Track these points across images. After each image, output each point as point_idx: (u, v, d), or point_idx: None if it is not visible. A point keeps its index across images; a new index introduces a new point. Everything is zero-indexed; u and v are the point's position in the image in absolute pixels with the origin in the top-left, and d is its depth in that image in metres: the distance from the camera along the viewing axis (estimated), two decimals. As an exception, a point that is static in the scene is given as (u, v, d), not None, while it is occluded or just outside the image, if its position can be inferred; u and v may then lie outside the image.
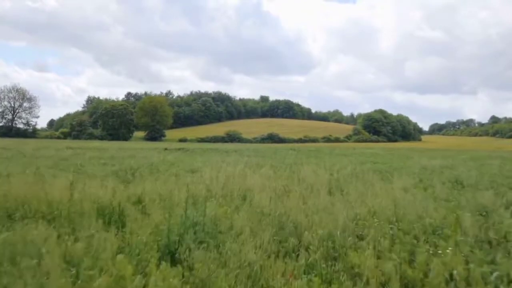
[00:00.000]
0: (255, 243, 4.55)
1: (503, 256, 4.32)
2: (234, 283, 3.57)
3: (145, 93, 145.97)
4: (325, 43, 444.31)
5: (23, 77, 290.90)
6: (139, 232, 4.75)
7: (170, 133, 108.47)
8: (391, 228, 5.43)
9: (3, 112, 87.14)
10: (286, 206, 6.51)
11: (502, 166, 20.12)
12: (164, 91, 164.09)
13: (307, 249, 4.49)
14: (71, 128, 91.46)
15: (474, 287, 3.67)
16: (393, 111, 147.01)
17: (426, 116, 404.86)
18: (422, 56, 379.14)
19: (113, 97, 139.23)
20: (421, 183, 12.32)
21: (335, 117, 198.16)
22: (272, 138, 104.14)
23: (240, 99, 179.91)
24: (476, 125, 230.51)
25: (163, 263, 3.96)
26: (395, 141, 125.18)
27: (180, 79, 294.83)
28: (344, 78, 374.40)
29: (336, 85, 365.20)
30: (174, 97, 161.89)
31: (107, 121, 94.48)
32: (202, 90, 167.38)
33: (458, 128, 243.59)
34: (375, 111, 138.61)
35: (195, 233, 4.65)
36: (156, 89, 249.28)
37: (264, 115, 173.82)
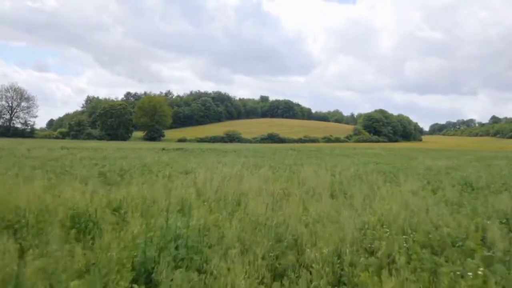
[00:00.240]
0: (248, 259, 3.85)
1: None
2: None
3: (145, 93, 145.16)
4: (325, 43, 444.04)
5: (23, 77, 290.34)
6: (112, 245, 4.04)
7: (169, 133, 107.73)
8: (405, 240, 4.73)
9: (0, 111, 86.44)
10: (285, 213, 5.81)
11: (510, 167, 19.42)
12: (164, 91, 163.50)
13: (309, 268, 3.79)
14: (69, 128, 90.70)
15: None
16: (393, 111, 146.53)
17: (426, 116, 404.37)
18: (422, 56, 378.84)
19: (113, 97, 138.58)
20: (429, 185, 11.61)
21: (335, 117, 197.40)
22: (272, 138, 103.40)
23: (240, 99, 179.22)
24: (477, 125, 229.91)
25: (135, 287, 3.27)
26: (396, 141, 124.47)
27: (180, 79, 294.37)
28: (344, 78, 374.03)
29: (336, 85, 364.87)
30: (173, 97, 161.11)
31: (106, 121, 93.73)
32: (202, 90, 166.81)
33: (459, 128, 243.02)
34: (376, 111, 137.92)
35: (176, 247, 3.95)
36: (156, 89, 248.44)
37: (264, 115, 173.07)
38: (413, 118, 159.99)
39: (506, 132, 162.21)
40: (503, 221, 6.33)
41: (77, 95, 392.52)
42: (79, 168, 12.60)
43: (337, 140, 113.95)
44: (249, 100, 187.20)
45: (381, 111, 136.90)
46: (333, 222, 5.45)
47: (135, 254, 3.88)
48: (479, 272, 3.44)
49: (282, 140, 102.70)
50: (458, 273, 3.55)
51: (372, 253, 4.39)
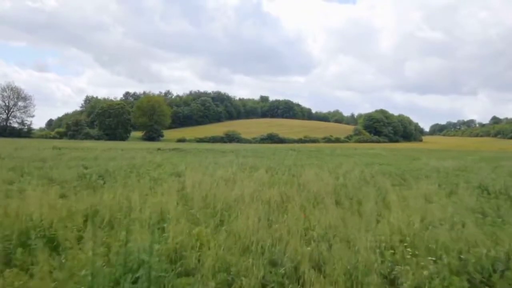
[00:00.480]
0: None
1: None
2: None
3: (144, 93, 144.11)
4: (325, 43, 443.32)
5: (23, 77, 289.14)
6: (53, 276, 3.05)
7: (168, 133, 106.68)
8: (434, 263, 3.74)
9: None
10: (283, 227, 4.81)
11: (521, 168, 18.43)
12: (163, 91, 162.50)
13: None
14: (67, 128, 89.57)
15: None
16: (393, 112, 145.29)
17: (426, 116, 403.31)
18: (422, 56, 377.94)
19: (112, 97, 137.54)
20: (441, 188, 10.62)
21: (335, 117, 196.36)
22: (271, 138, 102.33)
23: (239, 99, 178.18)
24: (477, 125, 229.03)
25: None
26: (396, 141, 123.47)
27: (180, 79, 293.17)
28: (344, 78, 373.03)
29: (336, 85, 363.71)
30: (173, 97, 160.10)
31: (104, 121, 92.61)
32: (202, 90, 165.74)
33: (459, 128, 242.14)
34: (376, 111, 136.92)
35: (136, 280, 2.96)
36: (156, 90, 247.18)
37: (264, 115, 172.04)
38: (413, 118, 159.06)
39: (507, 132, 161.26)
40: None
41: (77, 95, 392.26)
42: (61, 170, 11.60)
43: (338, 140, 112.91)
44: (249, 100, 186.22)
45: (382, 111, 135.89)
46: (341, 239, 4.46)
47: (81, 289, 2.90)
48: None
49: (282, 140, 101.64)
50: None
51: (394, 283, 3.40)
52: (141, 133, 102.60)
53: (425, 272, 3.44)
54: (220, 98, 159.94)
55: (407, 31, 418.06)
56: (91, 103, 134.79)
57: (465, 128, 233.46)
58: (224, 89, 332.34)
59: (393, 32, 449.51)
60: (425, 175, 14.93)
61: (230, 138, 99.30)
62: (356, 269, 3.49)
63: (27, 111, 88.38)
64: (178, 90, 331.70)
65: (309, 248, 4.09)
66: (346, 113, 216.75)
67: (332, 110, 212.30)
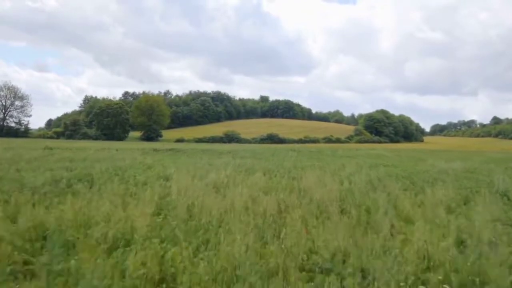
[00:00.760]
0: None
1: None
2: None
3: (143, 93, 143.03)
4: (325, 44, 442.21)
5: (23, 77, 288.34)
6: None
7: (167, 133, 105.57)
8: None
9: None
10: (279, 251, 3.81)
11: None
12: (163, 91, 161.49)
13: None
14: (65, 127, 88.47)
15: None
16: (394, 112, 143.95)
17: (426, 116, 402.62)
18: (422, 56, 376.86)
19: (111, 97, 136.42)
20: (455, 193, 9.61)
21: (335, 117, 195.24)
22: (271, 139, 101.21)
23: (239, 99, 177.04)
24: (478, 126, 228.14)
25: None
26: (397, 141, 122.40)
27: (180, 79, 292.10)
28: (344, 78, 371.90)
29: (336, 86, 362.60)
30: (172, 97, 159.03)
31: (102, 121, 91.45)
32: (202, 90, 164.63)
33: (460, 129, 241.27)
34: (377, 111, 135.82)
35: None
36: (156, 90, 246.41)
37: (264, 115, 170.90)
38: (414, 119, 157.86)
39: (508, 133, 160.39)
40: None
41: (77, 95, 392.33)
42: (39, 173, 10.61)
43: (338, 140, 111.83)
44: (249, 100, 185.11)
45: (383, 111, 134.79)
46: (354, 268, 3.46)
47: None
48: None
49: (282, 141, 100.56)
50: None
51: None
52: (139, 133, 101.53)
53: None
54: (219, 98, 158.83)
55: (407, 31, 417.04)
56: (90, 103, 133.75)
57: (466, 128, 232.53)
58: (224, 89, 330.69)
59: (393, 33, 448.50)
60: (434, 177, 13.94)
61: (230, 138, 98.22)
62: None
63: (24, 110, 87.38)
64: (178, 90, 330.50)
65: (312, 284, 3.09)
66: (347, 113, 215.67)
67: (332, 110, 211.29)
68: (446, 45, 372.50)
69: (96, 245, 3.85)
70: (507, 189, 10.53)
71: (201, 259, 3.69)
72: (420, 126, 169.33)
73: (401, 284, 3.15)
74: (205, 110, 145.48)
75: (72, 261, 3.33)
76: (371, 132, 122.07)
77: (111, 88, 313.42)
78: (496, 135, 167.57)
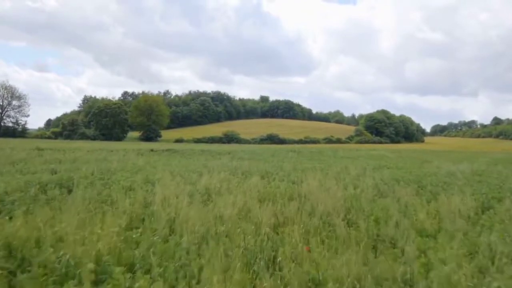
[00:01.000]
0: None
1: None
2: None
3: (143, 93, 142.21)
4: (325, 44, 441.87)
5: (23, 77, 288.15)
6: None
7: (166, 134, 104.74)
8: None
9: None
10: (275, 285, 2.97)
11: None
12: (163, 91, 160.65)
13: None
14: (63, 127, 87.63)
15: None
16: (394, 112, 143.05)
17: (426, 117, 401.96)
18: (422, 57, 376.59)
19: (111, 97, 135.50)
20: (474, 199, 8.75)
21: (336, 118, 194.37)
22: (271, 139, 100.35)
23: (239, 99, 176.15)
24: (479, 126, 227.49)
25: None
26: (398, 142, 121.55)
27: (180, 79, 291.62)
28: (344, 79, 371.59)
29: (336, 86, 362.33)
30: (172, 97, 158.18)
31: (100, 121, 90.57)
32: (201, 90, 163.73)
33: (460, 129, 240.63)
34: (378, 111, 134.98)
35: None
36: (156, 90, 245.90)
37: (264, 115, 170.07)
38: (414, 119, 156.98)
39: (509, 133, 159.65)
40: None
41: (77, 95, 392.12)
42: (14, 177, 9.77)
43: (339, 141, 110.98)
44: (249, 100, 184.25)
45: (383, 112, 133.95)
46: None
47: None
48: None
49: (282, 141, 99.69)
50: None
51: None
52: (138, 133, 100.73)
53: None
54: (219, 98, 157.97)
55: (407, 32, 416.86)
56: (89, 103, 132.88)
57: (467, 129, 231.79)
58: (224, 89, 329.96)
59: (394, 33, 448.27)
60: (443, 181, 13.09)
61: (229, 138, 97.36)
62: None
63: (21, 110, 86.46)
64: (178, 90, 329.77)
65: None
66: (347, 113, 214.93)
67: (332, 110, 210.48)
68: (446, 45, 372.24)
69: (41, 276, 3.01)
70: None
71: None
72: (420, 127, 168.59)
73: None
74: (205, 110, 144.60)
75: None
76: (371, 133, 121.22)
77: (111, 88, 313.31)
78: (497, 136, 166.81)
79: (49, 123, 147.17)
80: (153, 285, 3.07)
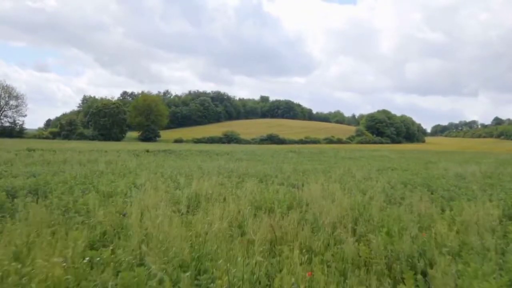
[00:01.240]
0: None
1: None
2: None
3: (142, 92, 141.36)
4: (325, 44, 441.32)
5: (23, 77, 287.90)
6: None
7: (166, 134, 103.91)
8: None
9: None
10: None
11: None
12: (162, 91, 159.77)
13: None
14: (60, 127, 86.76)
15: None
16: (394, 112, 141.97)
17: (426, 117, 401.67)
18: (423, 57, 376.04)
19: (110, 97, 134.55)
20: (495, 207, 7.89)
21: (336, 118, 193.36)
22: (271, 139, 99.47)
23: (239, 99, 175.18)
24: (479, 126, 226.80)
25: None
26: (399, 142, 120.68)
27: (180, 79, 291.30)
28: (344, 79, 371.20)
29: (337, 86, 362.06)
30: (171, 97, 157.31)
31: (99, 121, 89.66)
32: (201, 90, 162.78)
33: (461, 129, 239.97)
34: (379, 111, 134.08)
35: None
36: (156, 90, 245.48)
37: (264, 115, 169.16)
38: (414, 119, 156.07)
39: (510, 133, 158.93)
40: None
41: (78, 95, 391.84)
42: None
43: (339, 141, 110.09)
44: (249, 100, 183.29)
45: (384, 112, 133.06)
46: None
47: None
48: None
49: (282, 141, 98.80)
50: None
51: None
52: (137, 134, 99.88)
53: None
54: (219, 98, 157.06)
55: (407, 32, 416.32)
56: (88, 102, 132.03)
57: (467, 129, 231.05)
58: (225, 89, 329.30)
59: (394, 33, 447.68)
60: (453, 184, 12.21)
61: (229, 138, 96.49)
62: None
63: (19, 110, 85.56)
64: (178, 90, 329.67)
65: None
66: (347, 114, 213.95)
67: (333, 111, 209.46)
68: (447, 45, 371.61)
69: None
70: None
71: None
72: (421, 127, 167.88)
73: None
74: (205, 110, 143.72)
75: None
76: (372, 133, 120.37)
77: (111, 88, 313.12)
78: (498, 136, 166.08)
79: (48, 123, 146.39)
80: None
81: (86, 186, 8.38)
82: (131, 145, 45.76)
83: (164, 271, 3.25)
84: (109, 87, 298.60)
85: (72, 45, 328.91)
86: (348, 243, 4.85)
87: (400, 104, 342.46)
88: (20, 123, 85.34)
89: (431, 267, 4.37)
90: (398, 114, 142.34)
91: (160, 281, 3.23)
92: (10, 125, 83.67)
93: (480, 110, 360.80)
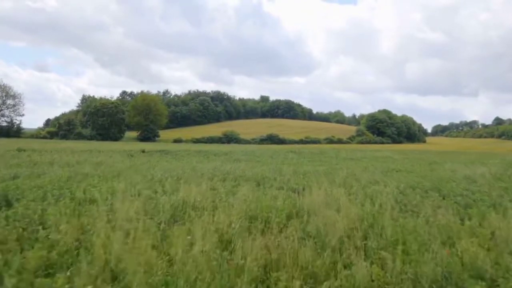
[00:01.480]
0: None
1: None
2: None
3: (141, 92, 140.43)
4: (325, 44, 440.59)
5: (23, 77, 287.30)
6: None
7: (165, 134, 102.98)
8: None
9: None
10: None
11: None
12: (162, 91, 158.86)
13: None
14: (58, 127, 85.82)
15: None
16: (395, 112, 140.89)
17: (426, 117, 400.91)
18: (423, 57, 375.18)
19: (109, 97, 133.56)
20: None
21: (336, 117, 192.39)
22: (271, 139, 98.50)
23: (239, 99, 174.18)
24: (480, 126, 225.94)
25: None
26: (400, 142, 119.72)
27: (181, 80, 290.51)
28: (344, 79, 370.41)
29: (337, 86, 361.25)
30: (171, 97, 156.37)
31: (97, 120, 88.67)
32: (201, 90, 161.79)
33: (462, 129, 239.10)
34: (379, 111, 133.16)
35: None
36: (156, 90, 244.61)
37: (264, 115, 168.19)
38: (415, 119, 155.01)
39: (511, 134, 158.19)
40: None
41: (78, 96, 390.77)
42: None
43: (340, 141, 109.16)
44: (249, 100, 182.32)
45: (385, 111, 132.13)
46: None
47: None
48: None
49: (282, 141, 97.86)
50: None
51: None
52: (136, 133, 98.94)
53: None
54: (219, 98, 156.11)
55: (407, 32, 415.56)
56: (87, 102, 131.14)
57: (468, 129, 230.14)
58: (225, 89, 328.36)
59: (394, 33, 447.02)
60: (465, 188, 11.34)
61: (229, 138, 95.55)
62: None
63: (16, 109, 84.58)
64: (179, 91, 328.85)
65: None
66: (348, 114, 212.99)
67: (333, 110, 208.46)
68: (447, 45, 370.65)
69: None
70: None
71: None
72: (422, 127, 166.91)
73: None
74: (204, 110, 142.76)
75: None
76: (373, 133, 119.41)
77: (111, 88, 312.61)
78: (499, 136, 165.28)
79: (48, 123, 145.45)
80: None
81: (62, 192, 7.52)
82: (128, 145, 44.89)
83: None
84: (109, 87, 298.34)
85: (72, 45, 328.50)
86: (359, 266, 4.00)
87: (400, 104, 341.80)
88: (18, 122, 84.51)
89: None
90: (399, 114, 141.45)
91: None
92: (7, 124, 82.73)
93: (480, 110, 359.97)
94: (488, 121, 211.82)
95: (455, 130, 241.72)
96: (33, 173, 10.75)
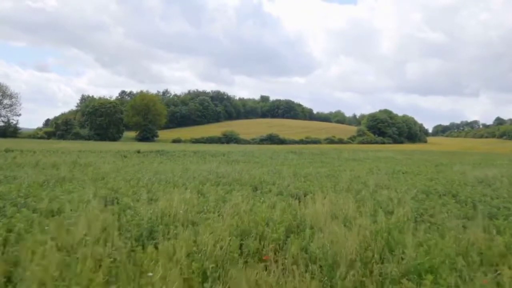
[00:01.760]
0: None
1: None
2: None
3: (141, 92, 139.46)
4: (326, 44, 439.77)
5: (24, 77, 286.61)
6: None
7: (164, 134, 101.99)
8: None
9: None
10: None
11: None
12: (162, 91, 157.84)
13: None
14: (56, 127, 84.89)
15: None
16: (396, 112, 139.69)
17: (426, 117, 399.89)
18: (423, 57, 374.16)
19: (108, 97, 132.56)
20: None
21: (337, 117, 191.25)
22: (271, 139, 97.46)
23: (239, 99, 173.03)
24: (481, 126, 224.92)
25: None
26: (401, 142, 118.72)
27: (181, 80, 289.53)
28: (345, 79, 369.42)
29: (337, 87, 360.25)
30: (170, 96, 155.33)
31: (95, 120, 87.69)
32: (201, 90, 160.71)
33: (463, 129, 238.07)
34: (380, 111, 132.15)
35: None
36: (156, 90, 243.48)
37: (264, 115, 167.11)
38: (416, 119, 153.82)
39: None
40: None
41: (78, 96, 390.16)
42: None
43: (341, 141, 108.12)
44: (249, 100, 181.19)
45: (386, 111, 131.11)
46: None
47: None
48: None
49: (282, 141, 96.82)
50: None
51: None
52: (135, 133, 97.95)
53: None
54: (219, 98, 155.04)
55: (408, 32, 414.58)
56: (86, 102, 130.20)
57: (469, 129, 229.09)
58: (225, 90, 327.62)
59: (394, 33, 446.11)
60: (482, 193, 10.34)
61: (228, 138, 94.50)
62: None
63: (13, 109, 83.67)
64: (178, 90, 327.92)
65: None
66: (348, 114, 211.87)
67: (333, 110, 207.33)
68: (447, 45, 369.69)
69: None
70: None
71: None
72: (423, 127, 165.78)
73: None
74: (204, 110, 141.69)
75: None
76: (374, 133, 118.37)
77: (111, 88, 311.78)
78: (501, 136, 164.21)
79: (47, 123, 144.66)
80: None
81: (28, 200, 6.54)
82: (124, 146, 43.89)
83: None
84: (109, 87, 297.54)
85: (73, 45, 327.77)
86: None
87: (400, 104, 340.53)
88: (14, 122, 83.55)
89: None
90: (399, 114, 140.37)
91: None
92: (4, 124, 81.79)
93: (481, 110, 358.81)
94: (489, 121, 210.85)
95: (456, 130, 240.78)
96: (6, 177, 9.77)
